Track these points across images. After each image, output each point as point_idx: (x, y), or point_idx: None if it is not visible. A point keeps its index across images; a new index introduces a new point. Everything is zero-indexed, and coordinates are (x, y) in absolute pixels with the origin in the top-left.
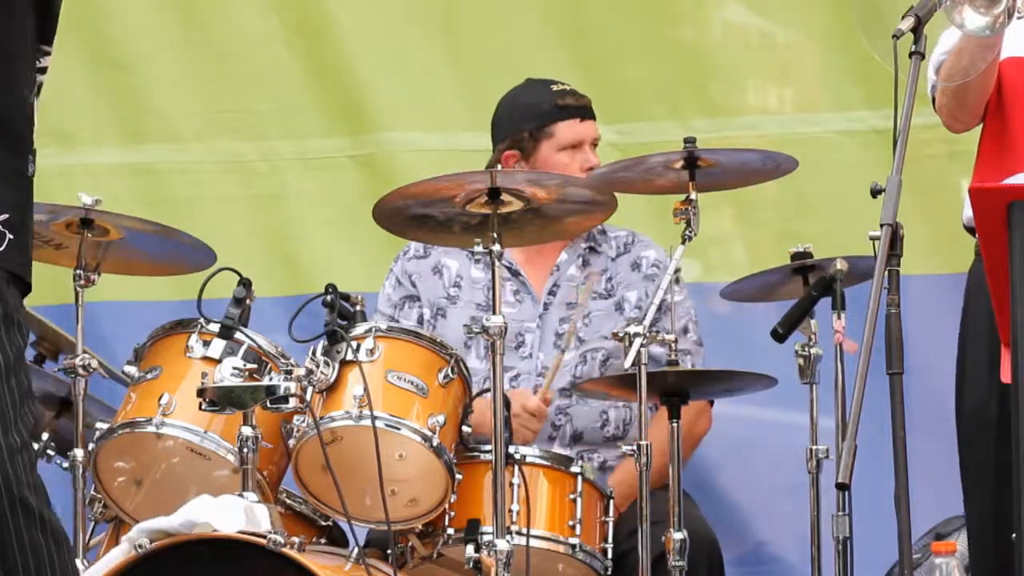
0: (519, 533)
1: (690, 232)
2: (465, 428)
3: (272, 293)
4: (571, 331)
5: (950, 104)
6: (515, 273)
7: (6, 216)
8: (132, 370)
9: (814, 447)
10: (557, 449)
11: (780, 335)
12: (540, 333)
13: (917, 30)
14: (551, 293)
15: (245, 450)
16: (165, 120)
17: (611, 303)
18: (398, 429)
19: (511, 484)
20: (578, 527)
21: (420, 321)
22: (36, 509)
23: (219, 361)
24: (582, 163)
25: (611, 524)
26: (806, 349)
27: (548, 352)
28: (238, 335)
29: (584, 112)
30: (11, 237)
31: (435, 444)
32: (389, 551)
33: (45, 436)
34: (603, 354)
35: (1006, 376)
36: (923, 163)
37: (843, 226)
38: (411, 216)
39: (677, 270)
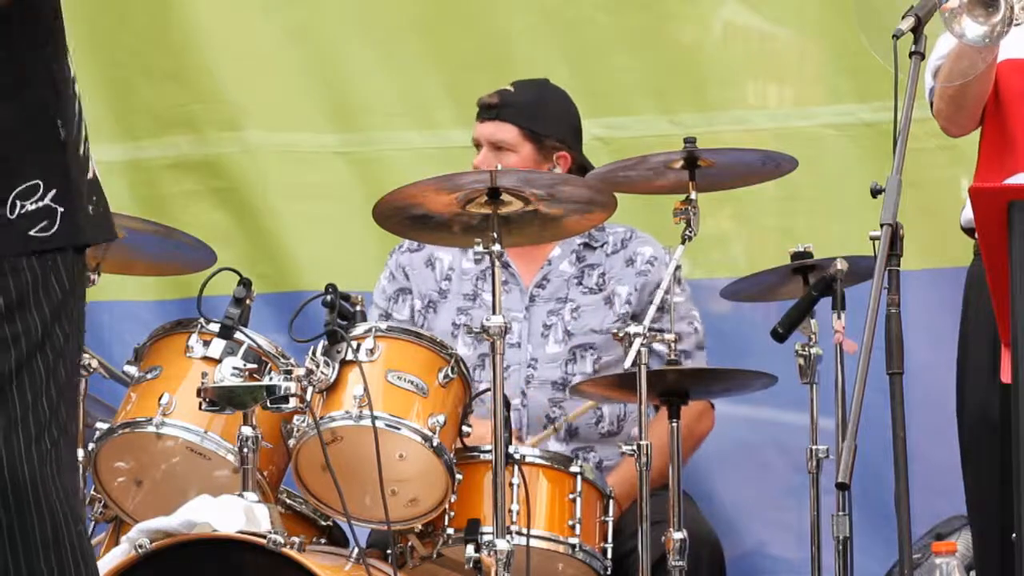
0: (519, 533)
1: (690, 232)
2: (465, 427)
3: (262, 290)
4: (557, 426)
5: (948, 108)
6: (505, 264)
7: (53, 191)
8: (132, 370)
9: (814, 447)
10: (552, 445)
11: (780, 335)
12: (528, 324)
13: (917, 30)
14: (539, 286)
15: (245, 450)
16: (155, 116)
17: (601, 297)
18: (398, 429)
19: (511, 484)
20: (578, 527)
21: (412, 313)
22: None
23: (219, 361)
24: (476, 163)
25: (611, 524)
26: (806, 349)
27: (536, 343)
28: (238, 335)
29: (483, 112)
30: (62, 210)
31: (435, 444)
32: (389, 551)
33: None
34: (592, 353)
35: (1006, 376)
36: (915, 156)
37: (843, 226)
38: (410, 216)
39: (677, 268)
